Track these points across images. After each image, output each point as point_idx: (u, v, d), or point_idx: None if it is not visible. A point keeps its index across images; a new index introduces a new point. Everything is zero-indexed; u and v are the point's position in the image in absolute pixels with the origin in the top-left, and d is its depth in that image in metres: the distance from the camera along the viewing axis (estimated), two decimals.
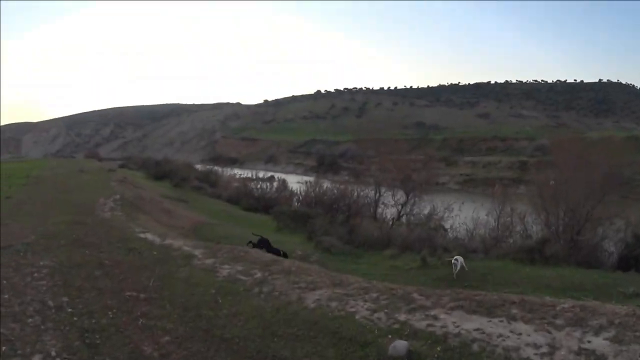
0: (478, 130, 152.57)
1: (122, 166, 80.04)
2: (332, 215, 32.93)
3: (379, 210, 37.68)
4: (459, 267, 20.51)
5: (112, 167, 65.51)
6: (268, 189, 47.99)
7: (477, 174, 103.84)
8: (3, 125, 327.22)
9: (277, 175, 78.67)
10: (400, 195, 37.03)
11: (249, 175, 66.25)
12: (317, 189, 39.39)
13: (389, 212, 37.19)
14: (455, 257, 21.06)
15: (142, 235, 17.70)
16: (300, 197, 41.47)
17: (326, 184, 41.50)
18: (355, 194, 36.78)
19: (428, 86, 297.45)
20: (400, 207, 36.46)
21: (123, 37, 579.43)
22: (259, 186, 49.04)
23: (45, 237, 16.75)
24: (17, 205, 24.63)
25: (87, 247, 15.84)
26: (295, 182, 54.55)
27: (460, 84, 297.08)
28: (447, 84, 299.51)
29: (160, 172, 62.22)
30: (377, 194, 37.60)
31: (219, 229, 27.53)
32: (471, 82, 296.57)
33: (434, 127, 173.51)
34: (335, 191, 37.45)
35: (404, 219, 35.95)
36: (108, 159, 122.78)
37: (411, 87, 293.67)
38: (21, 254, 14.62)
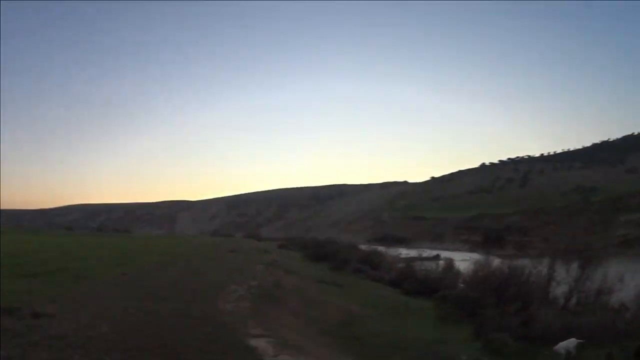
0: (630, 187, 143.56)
1: (281, 246, 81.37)
2: (501, 300, 28.81)
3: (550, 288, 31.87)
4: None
5: (268, 248, 64.42)
6: (433, 270, 44.18)
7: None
8: (158, 202, 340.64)
9: (442, 253, 75.29)
10: (573, 269, 31.10)
11: (414, 254, 63.48)
12: (484, 268, 35.45)
13: (560, 290, 31.52)
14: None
15: (252, 342, 13.88)
16: (467, 278, 37.69)
17: (495, 262, 37.21)
18: (527, 271, 32.31)
19: (582, 147, 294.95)
20: (573, 282, 30.77)
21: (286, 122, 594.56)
22: (423, 267, 45.40)
23: (116, 328, 13.14)
24: (125, 285, 22.03)
25: (164, 357, 11.54)
26: (461, 259, 51.17)
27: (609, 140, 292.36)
28: (599, 142, 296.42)
29: (320, 253, 60.59)
30: (551, 270, 32.11)
31: (368, 324, 24.05)
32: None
33: (591, 190, 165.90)
34: (505, 270, 32.93)
35: (574, 297, 30.62)
36: (270, 239, 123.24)
37: (568, 149, 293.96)
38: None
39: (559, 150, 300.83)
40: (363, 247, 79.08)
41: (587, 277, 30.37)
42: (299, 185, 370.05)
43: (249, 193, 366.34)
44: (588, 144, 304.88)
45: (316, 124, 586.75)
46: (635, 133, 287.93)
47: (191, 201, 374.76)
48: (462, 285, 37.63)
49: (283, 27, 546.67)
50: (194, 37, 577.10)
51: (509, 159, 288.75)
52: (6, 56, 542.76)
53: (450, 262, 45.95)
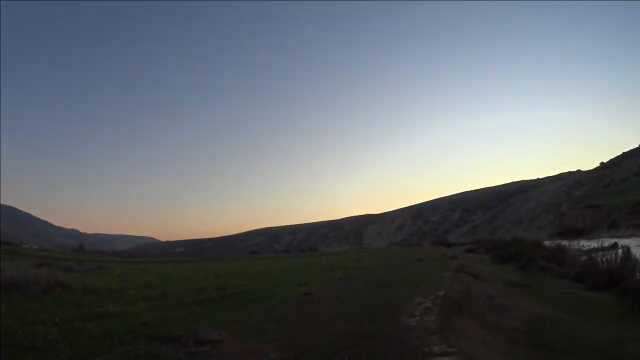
0: None
1: (469, 251, 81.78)
2: None
3: None
4: None
5: (455, 254, 63.17)
6: (613, 261, 41.53)
7: None
8: (343, 219, 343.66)
9: (620, 241, 71.57)
10: None
11: (594, 245, 61.07)
12: None
13: None
14: None
15: None
16: None
17: None
18: None
19: None
20: None
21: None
22: (604, 258, 42.84)
23: (285, 353, 12.27)
24: (304, 305, 21.13)
25: None
26: (636, 245, 48.26)
27: None
28: None
29: (506, 254, 58.39)
30: None
31: (555, 327, 22.17)
32: None
33: None
34: None
35: None
36: (457, 244, 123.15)
37: None
38: None
39: None
40: (546, 243, 76.77)
41: None
42: (481, 187, 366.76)
43: (432, 200, 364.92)
44: None
45: (491, 122, 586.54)
46: None
47: (376, 214, 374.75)
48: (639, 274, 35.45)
49: None
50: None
51: None
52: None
53: (627, 251, 42.89)
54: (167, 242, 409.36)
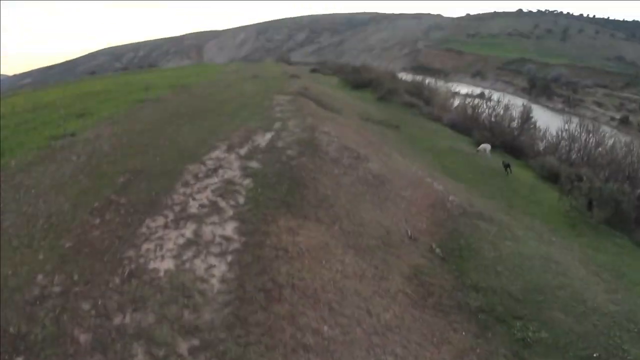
0: None
1: (314, 70, 74.65)
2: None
3: None
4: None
5: (296, 73, 53.22)
6: (504, 119, 34.61)
7: None
8: (185, 34, 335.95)
9: (486, 92, 66.36)
10: None
11: (462, 90, 57.14)
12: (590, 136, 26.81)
13: None
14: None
15: None
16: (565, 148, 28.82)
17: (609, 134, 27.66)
18: None
19: (624, 20, 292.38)
20: None
21: None
22: (490, 111, 35.78)
23: None
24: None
25: None
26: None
27: None
28: None
29: (360, 80, 53.11)
30: None
31: (502, 247, 13.89)
32: None
33: (633, 65, 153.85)
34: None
35: None
36: (300, 63, 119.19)
37: (608, 18, 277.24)
38: None
39: (599, 15, 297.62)
40: (402, 75, 73.32)
41: None
42: (330, 12, 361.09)
43: (278, 19, 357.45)
44: (629, 18, 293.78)
45: None
46: None
47: (218, 30, 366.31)
48: (542, 147, 32.76)
49: None
50: None
51: (547, 10, 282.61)
52: None
53: (527, 111, 35.94)
54: (15, 75, 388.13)
